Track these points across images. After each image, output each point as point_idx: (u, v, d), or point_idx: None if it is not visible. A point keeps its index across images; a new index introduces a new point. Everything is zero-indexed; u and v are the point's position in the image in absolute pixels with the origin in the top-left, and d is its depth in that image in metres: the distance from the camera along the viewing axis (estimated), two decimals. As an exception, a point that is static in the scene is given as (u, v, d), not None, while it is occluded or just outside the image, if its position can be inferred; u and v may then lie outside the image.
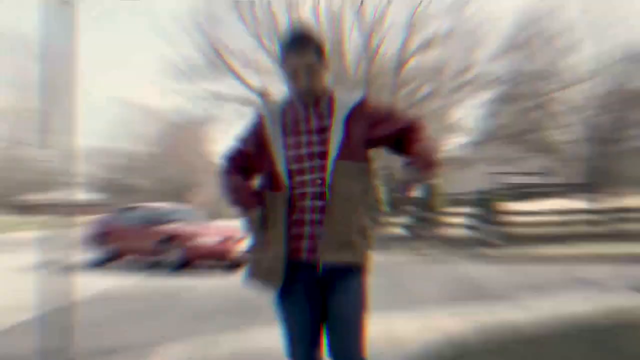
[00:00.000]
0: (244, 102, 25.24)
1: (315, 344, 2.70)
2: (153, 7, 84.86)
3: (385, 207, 2.85)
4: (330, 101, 2.71)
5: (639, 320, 6.14)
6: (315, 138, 2.66)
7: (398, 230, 23.00)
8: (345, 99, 2.71)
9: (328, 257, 2.59)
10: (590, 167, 21.83)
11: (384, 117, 2.73)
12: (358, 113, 2.68)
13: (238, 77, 25.55)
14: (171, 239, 13.50)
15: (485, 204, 20.86)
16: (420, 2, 24.53)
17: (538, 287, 9.97)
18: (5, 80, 43.79)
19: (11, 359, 5.75)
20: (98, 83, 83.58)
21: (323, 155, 2.63)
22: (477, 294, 9.58)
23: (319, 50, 2.68)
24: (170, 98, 73.34)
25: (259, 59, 25.08)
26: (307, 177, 2.64)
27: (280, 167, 2.66)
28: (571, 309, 7.46)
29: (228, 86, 25.91)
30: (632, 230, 18.70)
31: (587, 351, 4.75)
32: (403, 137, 2.73)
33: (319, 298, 2.67)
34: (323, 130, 2.66)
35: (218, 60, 25.29)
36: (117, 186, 71.85)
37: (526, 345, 5.13)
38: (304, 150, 2.66)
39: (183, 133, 60.86)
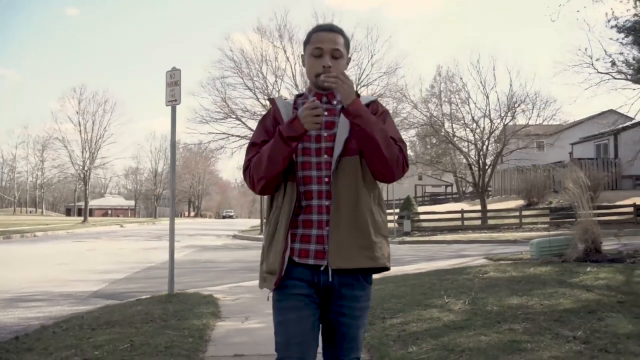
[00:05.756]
0: (243, 137, 26.74)
1: (308, 353, 1.93)
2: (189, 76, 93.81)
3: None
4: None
5: (468, 267, 8.38)
6: (324, 133, 1.97)
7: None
8: None
9: (337, 263, 1.89)
10: (477, 182, 23.98)
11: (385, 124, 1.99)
12: None
13: (239, 120, 27.06)
14: None
15: (407, 206, 23.22)
16: (364, 69, 26.51)
17: (430, 258, 12.06)
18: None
19: (136, 293, 7.56)
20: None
21: (331, 151, 1.94)
22: (393, 262, 11.46)
23: (347, 42, 2.05)
24: (189, 133, 73.86)
25: (255, 108, 26.74)
26: (313, 172, 1.95)
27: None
28: (440, 265, 9.76)
29: (231, 126, 27.30)
30: (497, 223, 21.22)
31: (430, 278, 6.90)
32: None
33: (320, 305, 1.97)
34: (332, 126, 1.98)
35: (225, 108, 26.94)
36: (143, 194, 72.09)
37: (401, 277, 7.31)
38: (312, 145, 1.96)
39: (195, 157, 61.71)
